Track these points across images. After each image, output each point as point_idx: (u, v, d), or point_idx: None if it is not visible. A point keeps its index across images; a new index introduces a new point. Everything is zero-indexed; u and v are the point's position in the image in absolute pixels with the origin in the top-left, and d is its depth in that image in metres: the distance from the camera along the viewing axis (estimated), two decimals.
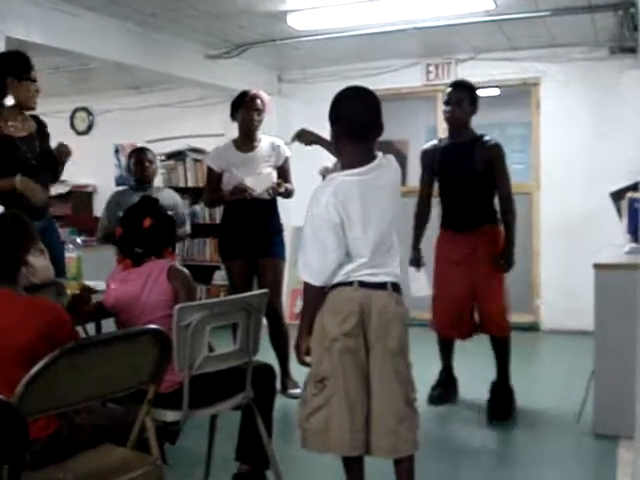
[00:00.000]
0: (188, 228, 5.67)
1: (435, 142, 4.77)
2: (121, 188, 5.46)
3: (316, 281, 2.76)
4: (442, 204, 4.70)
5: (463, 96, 4.49)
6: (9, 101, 3.83)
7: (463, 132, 4.55)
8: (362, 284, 2.71)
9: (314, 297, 2.81)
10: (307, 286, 2.80)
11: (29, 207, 3.73)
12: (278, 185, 4.84)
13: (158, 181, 7.99)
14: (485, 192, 4.54)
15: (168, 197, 5.51)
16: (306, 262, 2.76)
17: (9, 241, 2.56)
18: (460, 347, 4.84)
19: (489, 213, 4.57)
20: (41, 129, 4.01)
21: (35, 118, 4.03)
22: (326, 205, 2.66)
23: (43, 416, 2.38)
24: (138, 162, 5.35)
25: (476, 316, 4.61)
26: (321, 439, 2.76)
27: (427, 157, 4.69)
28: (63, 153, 4.02)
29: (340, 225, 2.66)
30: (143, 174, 5.35)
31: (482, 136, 4.55)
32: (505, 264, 4.47)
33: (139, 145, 6.90)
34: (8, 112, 3.85)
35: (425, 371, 4.68)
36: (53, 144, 4.08)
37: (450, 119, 4.54)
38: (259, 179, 4.78)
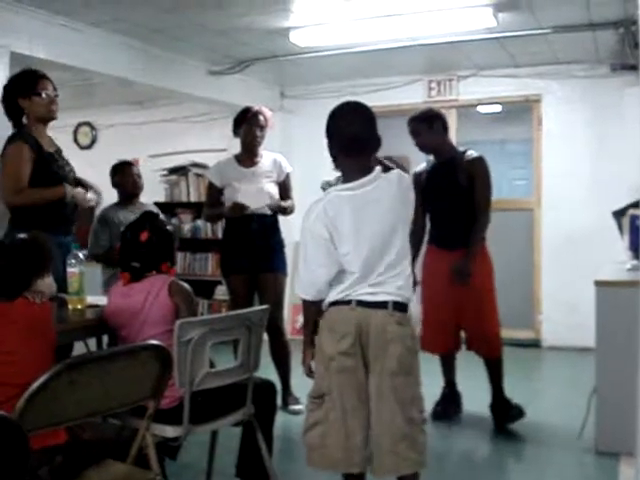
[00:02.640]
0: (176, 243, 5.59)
1: (424, 164, 4.88)
2: (107, 205, 5.35)
3: (308, 295, 2.78)
4: (430, 222, 4.81)
5: (416, 127, 4.65)
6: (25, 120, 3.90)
7: (441, 153, 4.69)
8: (360, 303, 2.68)
9: (309, 311, 2.85)
10: (303, 300, 2.83)
11: (60, 221, 3.85)
12: (275, 205, 4.84)
13: (161, 196, 8.06)
14: (470, 208, 4.57)
15: None
16: (299, 276, 2.79)
17: (24, 266, 2.59)
18: (465, 359, 4.83)
19: (476, 233, 4.58)
20: (59, 148, 4.07)
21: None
22: (315, 220, 2.68)
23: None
24: (129, 175, 5.20)
25: (462, 334, 4.68)
26: (318, 455, 2.75)
27: (416, 178, 4.70)
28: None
29: (330, 240, 2.66)
30: (129, 188, 5.21)
31: (464, 151, 4.68)
32: (459, 274, 4.47)
33: (142, 160, 6.92)
34: (36, 130, 3.89)
35: (430, 387, 4.74)
36: None
37: (419, 148, 4.72)
38: (254, 195, 4.79)
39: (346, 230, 2.66)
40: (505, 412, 4.59)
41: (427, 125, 4.63)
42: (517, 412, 4.57)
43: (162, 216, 5.35)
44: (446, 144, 4.73)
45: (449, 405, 4.82)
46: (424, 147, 4.71)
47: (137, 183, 5.23)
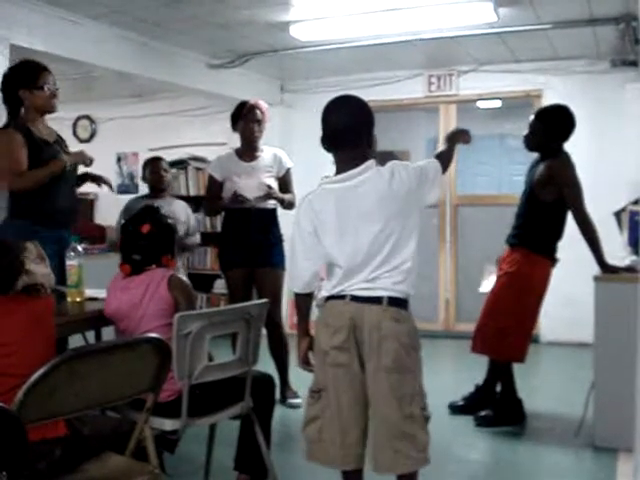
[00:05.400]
0: (198, 238, 5.77)
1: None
2: (135, 196, 5.60)
3: (296, 287, 2.81)
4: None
5: (536, 127, 4.51)
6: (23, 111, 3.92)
7: (543, 156, 4.51)
8: (354, 298, 2.66)
9: (299, 302, 2.87)
10: (294, 293, 2.86)
11: (58, 213, 3.86)
12: (269, 187, 4.83)
13: None
14: (534, 214, 4.46)
15: (180, 207, 5.58)
16: (288, 268, 2.81)
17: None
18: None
19: (530, 237, 4.48)
20: (61, 138, 4.09)
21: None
22: (302, 213, 2.71)
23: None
24: (153, 171, 5.51)
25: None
26: (316, 449, 2.76)
27: None
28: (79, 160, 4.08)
29: (314, 233, 2.68)
30: (158, 183, 5.50)
31: (554, 153, 4.48)
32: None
33: (141, 154, 6.94)
34: (30, 119, 3.90)
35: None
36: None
37: (524, 142, 4.60)
38: (252, 188, 4.79)
39: (329, 223, 2.66)
40: (503, 411, 4.60)
41: (547, 128, 4.47)
42: (513, 418, 4.59)
43: (190, 210, 5.48)
44: (554, 148, 4.48)
45: (473, 404, 4.77)
46: (530, 147, 4.59)
47: (162, 178, 5.54)
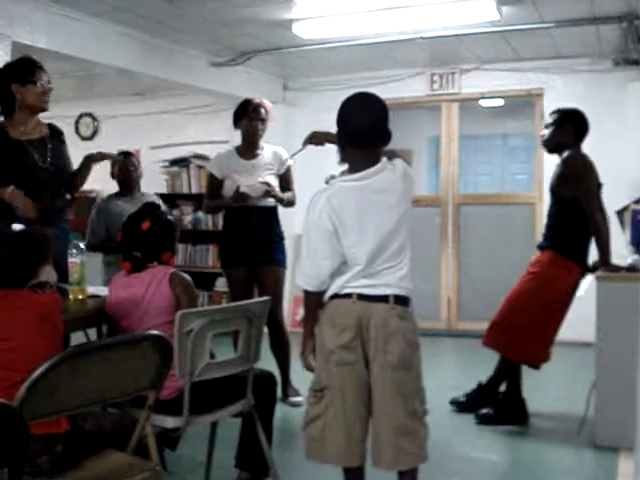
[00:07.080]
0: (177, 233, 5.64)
1: None
2: (106, 195, 5.41)
3: (310, 287, 2.76)
4: None
5: (550, 121, 4.55)
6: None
7: (561, 156, 4.53)
8: (361, 297, 2.67)
9: (311, 302, 2.81)
10: (305, 291, 2.80)
11: (42, 212, 3.75)
12: (268, 185, 4.81)
13: (162, 187, 8.04)
14: (559, 214, 4.48)
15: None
16: (301, 268, 2.76)
17: (28, 256, 2.58)
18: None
19: (558, 238, 4.46)
20: (55, 136, 4.02)
21: (50, 126, 4.04)
22: (320, 212, 2.65)
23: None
24: (121, 168, 5.24)
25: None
26: (318, 448, 2.75)
27: None
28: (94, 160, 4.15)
29: (334, 232, 2.64)
30: (127, 179, 5.23)
31: (569, 152, 4.50)
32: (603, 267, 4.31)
33: (144, 151, 6.92)
34: (20, 117, 3.86)
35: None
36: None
37: (542, 142, 4.65)
38: (253, 185, 4.78)
39: (350, 222, 2.64)
40: (506, 409, 4.59)
41: (558, 122, 4.51)
42: (515, 417, 4.58)
43: (163, 205, 5.37)
44: (569, 149, 4.48)
45: (475, 401, 4.77)
46: (545, 142, 4.59)
47: (130, 174, 5.22)
